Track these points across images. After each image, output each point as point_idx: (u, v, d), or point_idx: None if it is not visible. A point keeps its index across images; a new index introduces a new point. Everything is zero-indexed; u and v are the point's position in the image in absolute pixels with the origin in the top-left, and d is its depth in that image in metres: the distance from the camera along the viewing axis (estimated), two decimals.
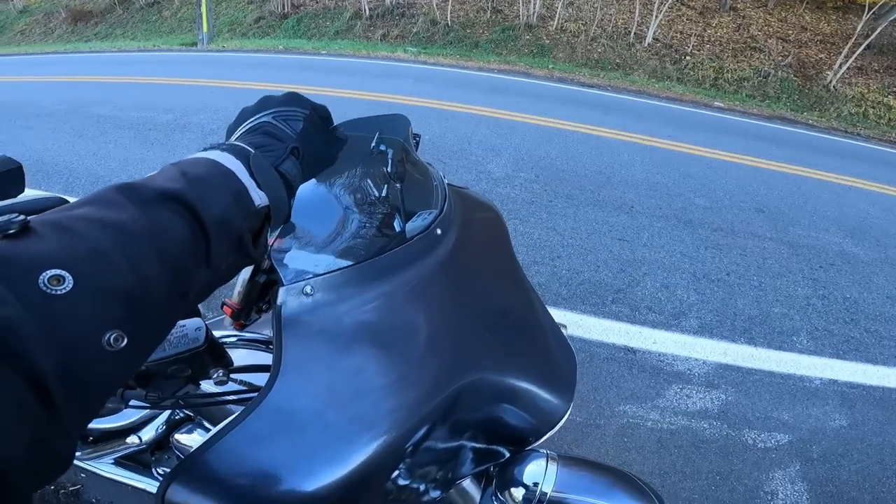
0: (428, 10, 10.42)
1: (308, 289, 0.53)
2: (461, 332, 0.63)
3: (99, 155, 3.68)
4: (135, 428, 1.03)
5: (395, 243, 0.61)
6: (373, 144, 0.67)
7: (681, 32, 10.08)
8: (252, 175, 0.45)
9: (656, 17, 9.58)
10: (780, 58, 9.52)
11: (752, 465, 1.66)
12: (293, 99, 0.54)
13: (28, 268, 0.28)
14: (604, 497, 0.72)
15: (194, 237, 0.39)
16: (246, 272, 0.65)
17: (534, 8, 10.04)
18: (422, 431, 0.55)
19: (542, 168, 3.84)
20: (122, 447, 1.05)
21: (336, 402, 0.51)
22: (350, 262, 0.57)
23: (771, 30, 10.24)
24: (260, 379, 0.70)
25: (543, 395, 0.69)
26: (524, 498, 0.69)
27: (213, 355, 0.63)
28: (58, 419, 0.28)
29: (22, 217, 0.31)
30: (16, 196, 0.88)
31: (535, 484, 0.68)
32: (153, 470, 1.08)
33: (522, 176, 3.66)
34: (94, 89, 5.74)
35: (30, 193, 0.75)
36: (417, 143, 0.79)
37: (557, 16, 9.97)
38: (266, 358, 0.76)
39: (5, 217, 0.30)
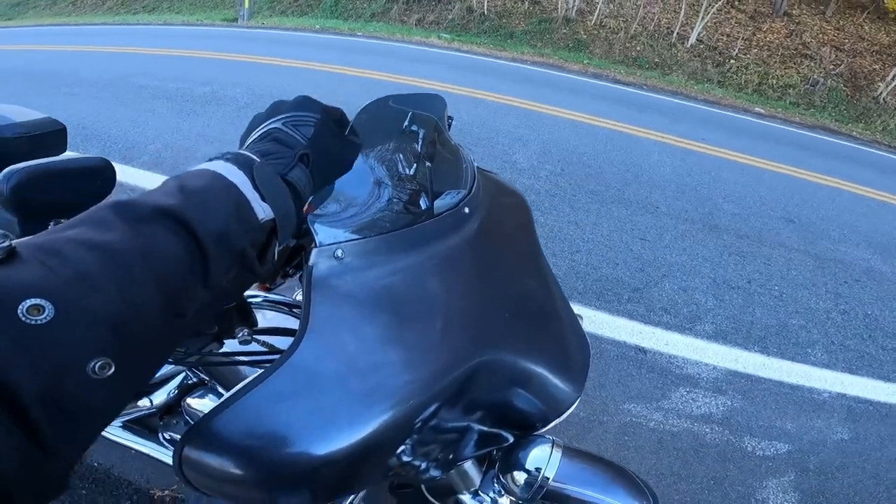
0: None
1: (339, 252, 0.54)
2: (481, 311, 0.64)
3: (137, 122, 3.79)
4: (146, 390, 1.02)
5: (425, 218, 0.62)
6: (406, 122, 0.68)
7: (727, 35, 9.74)
8: (256, 186, 0.43)
9: (703, 18, 9.27)
10: (831, 66, 9.13)
11: (747, 472, 1.66)
12: (303, 103, 0.53)
13: (8, 298, 0.28)
14: (602, 491, 0.72)
15: (191, 255, 0.37)
16: None
17: (573, 2, 9.82)
18: (433, 407, 0.56)
19: (569, 162, 3.81)
20: (132, 409, 1.04)
21: (357, 367, 0.52)
22: (380, 232, 0.58)
23: (826, 37, 9.80)
24: (282, 342, 0.72)
25: (555, 381, 0.68)
26: (526, 482, 0.69)
27: (240, 313, 0.64)
28: (45, 450, 0.28)
29: (7, 243, 0.30)
30: (58, 155, 0.92)
31: (538, 469, 0.68)
32: (160, 435, 1.08)
33: (548, 168, 3.64)
34: (137, 60, 5.88)
35: (70, 155, 0.79)
36: (450, 125, 0.80)
37: (597, 11, 9.74)
38: (289, 321, 0.79)
39: None
